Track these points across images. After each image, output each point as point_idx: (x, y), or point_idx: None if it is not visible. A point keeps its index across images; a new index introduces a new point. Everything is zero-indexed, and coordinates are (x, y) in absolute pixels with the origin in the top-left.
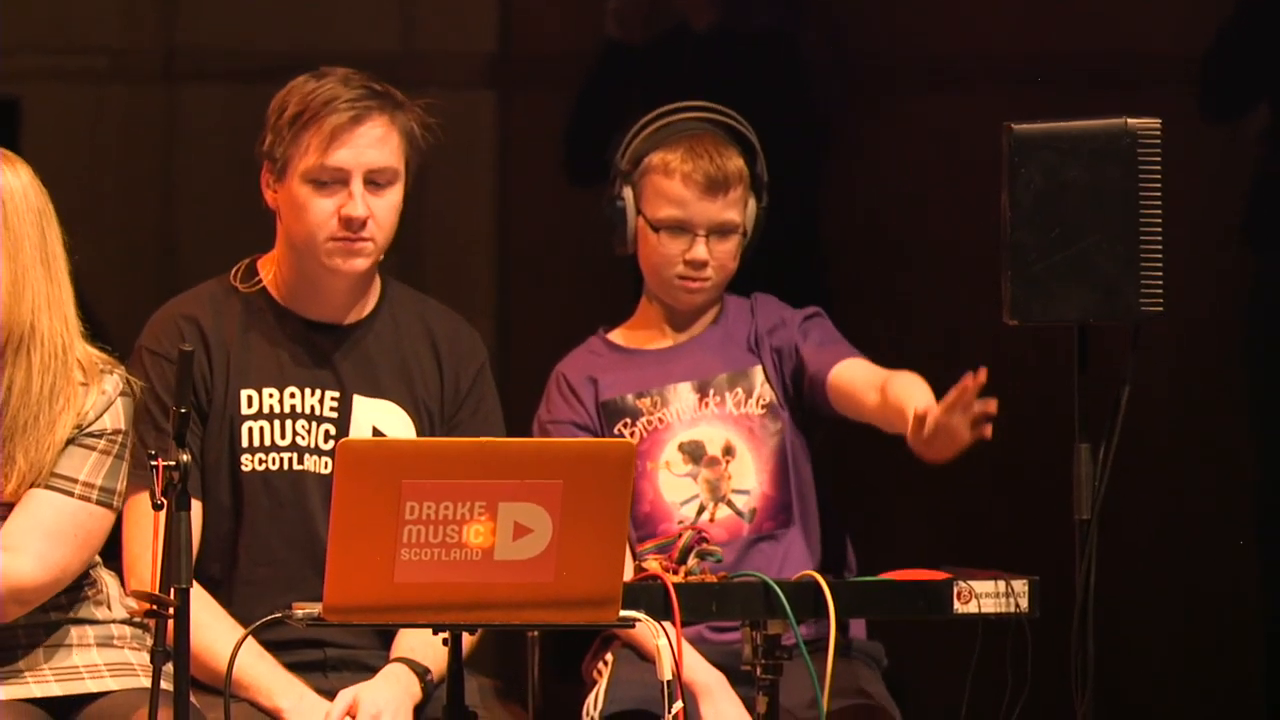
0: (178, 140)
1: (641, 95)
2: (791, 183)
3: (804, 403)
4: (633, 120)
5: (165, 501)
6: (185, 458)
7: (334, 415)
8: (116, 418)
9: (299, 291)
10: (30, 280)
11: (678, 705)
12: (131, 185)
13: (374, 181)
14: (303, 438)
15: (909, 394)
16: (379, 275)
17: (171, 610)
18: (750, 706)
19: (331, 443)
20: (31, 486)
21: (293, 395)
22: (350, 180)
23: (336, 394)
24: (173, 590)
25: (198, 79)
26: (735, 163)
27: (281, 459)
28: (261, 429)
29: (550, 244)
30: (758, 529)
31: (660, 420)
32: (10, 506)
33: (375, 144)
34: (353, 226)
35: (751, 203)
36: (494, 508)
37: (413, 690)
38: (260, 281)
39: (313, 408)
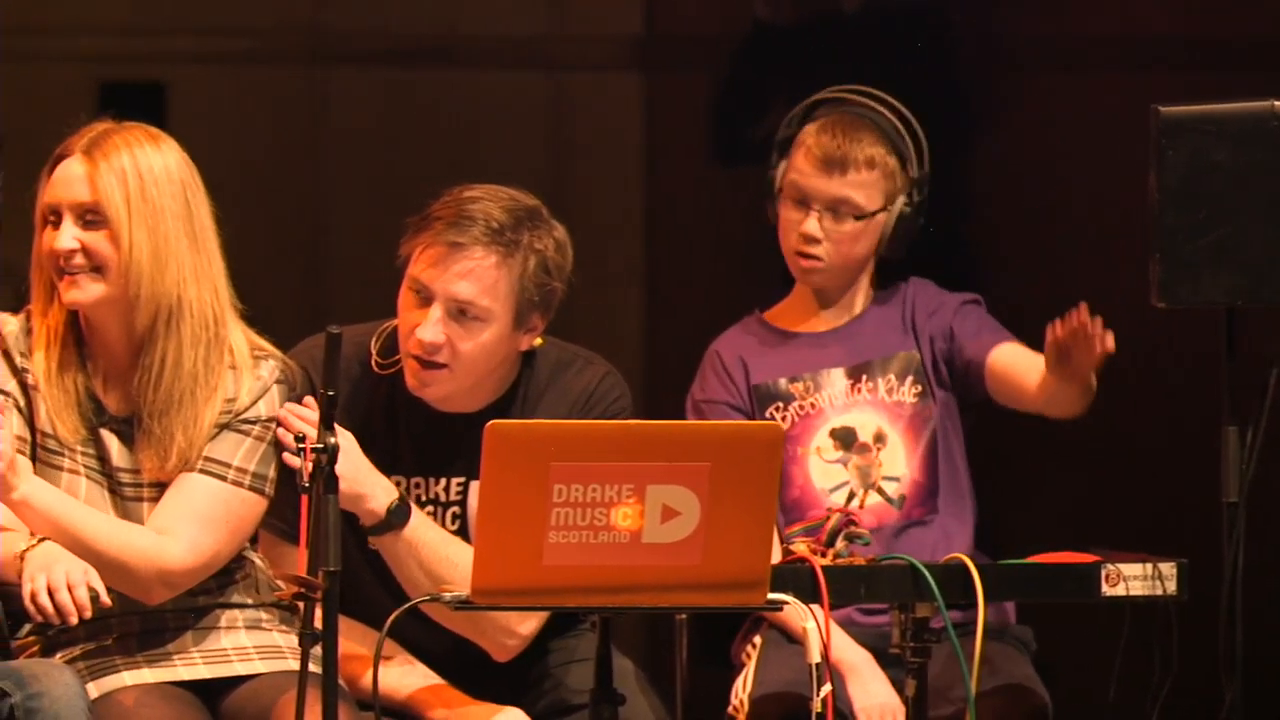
0: (324, 122)
1: (790, 76)
2: (940, 162)
3: (957, 387)
4: (781, 101)
5: (312, 486)
6: (333, 440)
7: (459, 499)
8: (271, 404)
9: None
10: (174, 252)
11: (826, 688)
12: (278, 168)
13: (461, 313)
14: None
15: None
16: (520, 354)
17: (319, 593)
18: (899, 689)
19: (458, 523)
20: (185, 468)
21: (418, 485)
22: (433, 301)
23: (462, 479)
24: (320, 573)
25: (344, 60)
26: (867, 150)
27: None
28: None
29: (698, 225)
30: (907, 515)
31: (812, 406)
32: (163, 487)
33: (469, 277)
34: (424, 349)
35: (899, 200)
36: (642, 490)
37: None
38: (398, 361)
39: (437, 494)
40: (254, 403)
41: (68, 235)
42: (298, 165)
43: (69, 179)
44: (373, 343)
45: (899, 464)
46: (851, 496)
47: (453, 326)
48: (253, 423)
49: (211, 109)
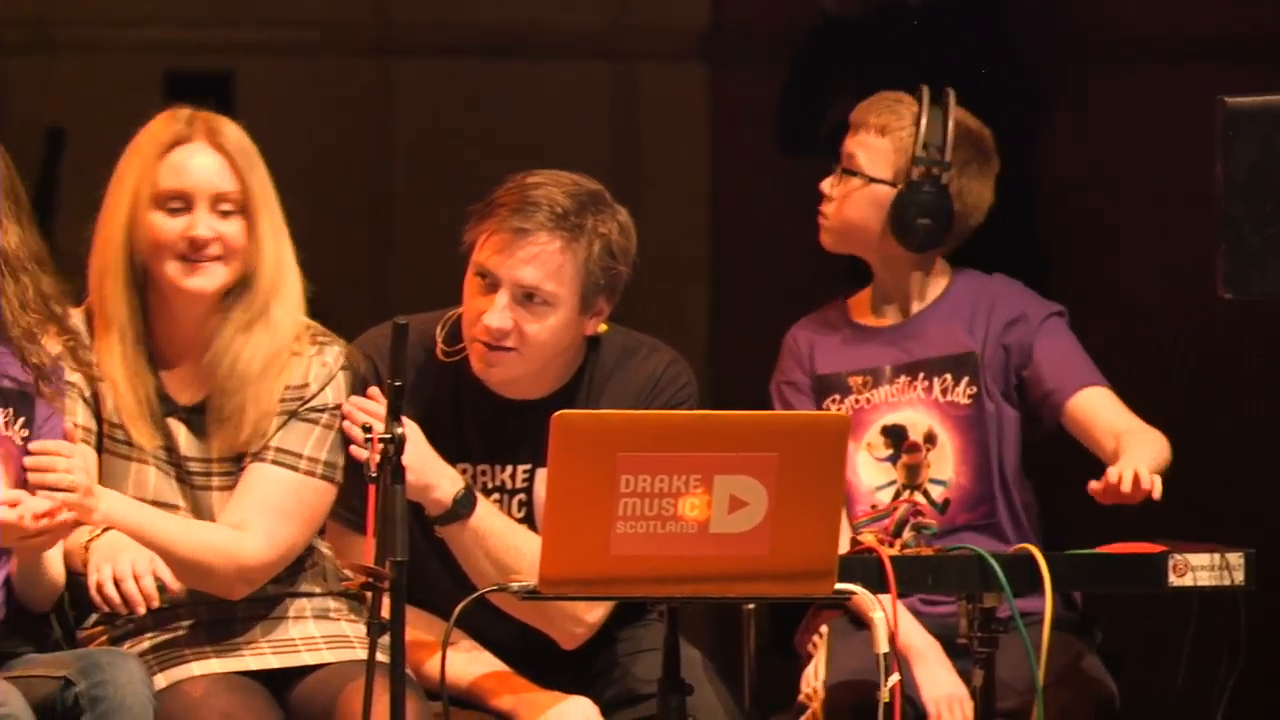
0: (391, 113)
1: (855, 68)
2: (1003, 154)
3: (1026, 407)
4: (846, 92)
5: (379, 476)
6: (400, 430)
7: (525, 486)
8: (338, 391)
9: None
10: (277, 238)
11: (895, 678)
12: (345, 158)
13: (527, 298)
14: None
15: (1129, 461)
16: (585, 339)
17: (387, 583)
18: (966, 679)
19: (525, 510)
20: (259, 443)
21: (484, 472)
22: (499, 288)
23: (528, 466)
24: (388, 563)
25: (410, 52)
26: (884, 118)
27: None
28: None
29: (763, 216)
30: (950, 521)
31: (868, 401)
32: (237, 461)
33: (534, 262)
34: (491, 335)
35: (905, 174)
36: (709, 480)
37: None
38: (463, 349)
39: (503, 482)
40: (321, 390)
41: (205, 223)
42: (364, 156)
43: (202, 166)
44: (437, 331)
45: (946, 467)
46: (897, 496)
47: (520, 312)
48: (321, 411)
49: (278, 99)
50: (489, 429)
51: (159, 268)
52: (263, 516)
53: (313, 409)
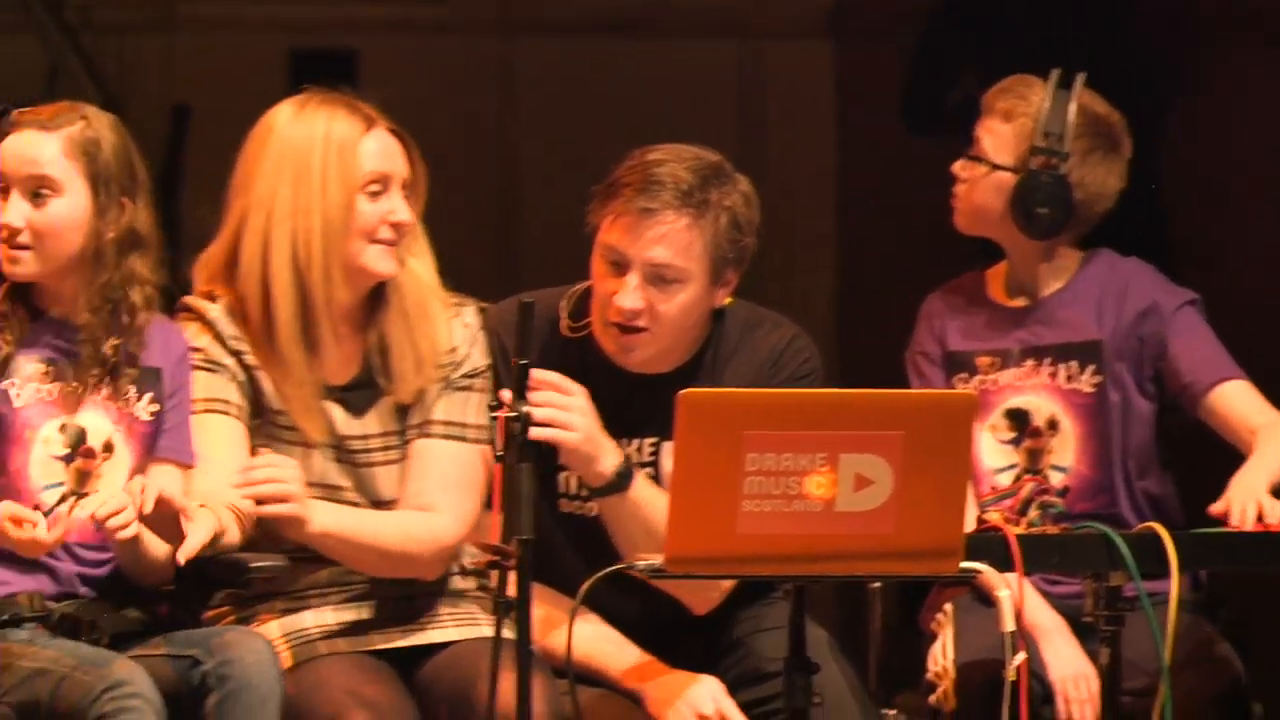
0: (514, 92)
1: (980, 45)
2: (1132, 135)
3: (1164, 399)
4: (971, 70)
5: (506, 454)
6: (526, 409)
7: (652, 459)
8: (484, 352)
9: None
10: None
11: (1021, 656)
12: (468, 136)
13: (659, 277)
14: None
15: (1256, 459)
16: (710, 313)
17: (513, 561)
18: (1093, 658)
19: (652, 483)
20: (420, 432)
21: None
22: (629, 269)
23: (654, 439)
24: (514, 541)
25: (533, 30)
26: (1010, 103)
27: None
28: (580, 478)
29: (889, 193)
30: (1069, 508)
31: (994, 382)
32: (400, 435)
33: (663, 242)
34: (624, 316)
35: (1027, 161)
36: (835, 459)
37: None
38: (588, 325)
39: (630, 455)
40: (469, 352)
41: (404, 208)
42: (488, 134)
43: (396, 152)
44: (562, 306)
45: (1067, 454)
46: (1017, 480)
47: (651, 291)
48: (474, 375)
49: (401, 78)
50: (616, 403)
51: (354, 251)
52: (447, 494)
53: (465, 375)
